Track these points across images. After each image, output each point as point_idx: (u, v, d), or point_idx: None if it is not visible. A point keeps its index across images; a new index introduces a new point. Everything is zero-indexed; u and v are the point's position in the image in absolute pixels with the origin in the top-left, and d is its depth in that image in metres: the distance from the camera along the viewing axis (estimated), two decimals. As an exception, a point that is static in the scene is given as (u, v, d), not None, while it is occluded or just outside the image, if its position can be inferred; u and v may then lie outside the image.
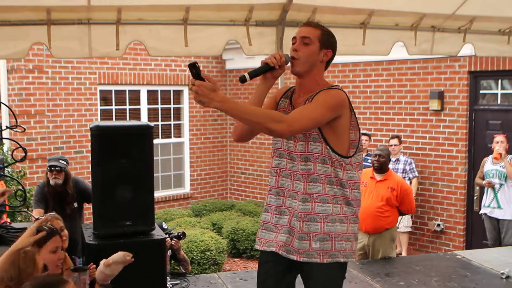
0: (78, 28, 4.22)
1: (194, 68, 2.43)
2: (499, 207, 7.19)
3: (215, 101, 2.42)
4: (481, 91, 8.51)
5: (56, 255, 3.24)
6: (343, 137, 2.79)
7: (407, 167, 8.44)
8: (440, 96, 8.59)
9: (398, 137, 8.62)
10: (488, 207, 7.32)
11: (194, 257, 7.64)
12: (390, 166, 6.66)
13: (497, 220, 7.25)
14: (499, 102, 8.38)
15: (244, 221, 9.17)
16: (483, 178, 7.39)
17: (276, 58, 2.78)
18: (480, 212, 7.53)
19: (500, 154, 7.06)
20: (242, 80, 2.68)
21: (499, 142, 7.19)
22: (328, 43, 2.85)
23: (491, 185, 7.16)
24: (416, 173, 8.53)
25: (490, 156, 7.38)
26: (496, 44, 5.53)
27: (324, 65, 2.89)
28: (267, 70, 2.81)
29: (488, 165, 7.32)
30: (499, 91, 8.41)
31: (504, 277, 5.10)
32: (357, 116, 2.88)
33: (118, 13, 4.23)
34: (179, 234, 5.58)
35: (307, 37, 2.81)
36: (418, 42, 5.14)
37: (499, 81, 8.36)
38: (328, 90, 2.77)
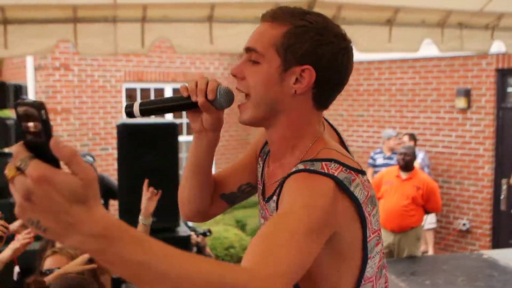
0: (104, 26, 4.26)
1: (37, 119, 0.78)
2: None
3: (81, 233, 0.81)
4: (509, 89, 8.39)
5: None
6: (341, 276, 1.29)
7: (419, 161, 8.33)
8: (467, 94, 8.48)
9: (408, 134, 8.51)
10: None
11: (218, 254, 7.67)
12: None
13: (526, 219, 7.18)
14: (527, 100, 8.26)
15: (268, 218, 9.16)
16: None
17: (197, 86, 1.38)
18: None
19: None
20: (129, 113, 1.41)
21: None
22: (300, 50, 1.28)
23: None
24: (427, 162, 8.41)
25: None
26: (525, 41, 5.44)
27: (308, 99, 1.33)
28: (178, 108, 1.48)
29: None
30: (527, 89, 8.29)
31: (532, 277, 5.03)
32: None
33: (144, 10, 4.26)
34: (205, 231, 5.61)
35: (252, 49, 1.33)
36: (447, 39, 5.08)
37: (528, 78, 8.24)
38: (307, 177, 1.23)
